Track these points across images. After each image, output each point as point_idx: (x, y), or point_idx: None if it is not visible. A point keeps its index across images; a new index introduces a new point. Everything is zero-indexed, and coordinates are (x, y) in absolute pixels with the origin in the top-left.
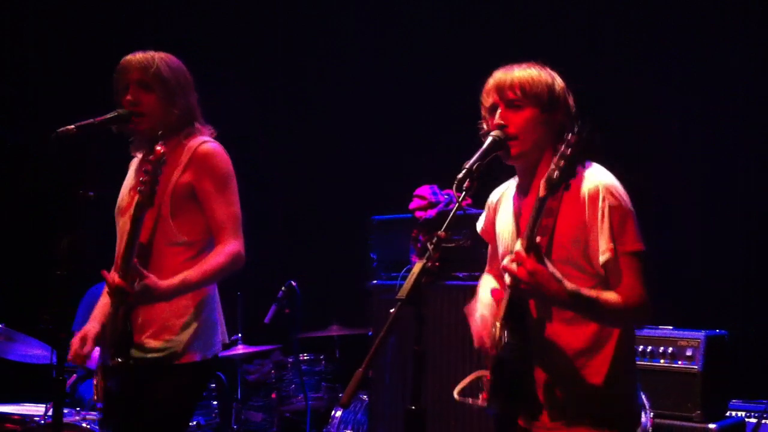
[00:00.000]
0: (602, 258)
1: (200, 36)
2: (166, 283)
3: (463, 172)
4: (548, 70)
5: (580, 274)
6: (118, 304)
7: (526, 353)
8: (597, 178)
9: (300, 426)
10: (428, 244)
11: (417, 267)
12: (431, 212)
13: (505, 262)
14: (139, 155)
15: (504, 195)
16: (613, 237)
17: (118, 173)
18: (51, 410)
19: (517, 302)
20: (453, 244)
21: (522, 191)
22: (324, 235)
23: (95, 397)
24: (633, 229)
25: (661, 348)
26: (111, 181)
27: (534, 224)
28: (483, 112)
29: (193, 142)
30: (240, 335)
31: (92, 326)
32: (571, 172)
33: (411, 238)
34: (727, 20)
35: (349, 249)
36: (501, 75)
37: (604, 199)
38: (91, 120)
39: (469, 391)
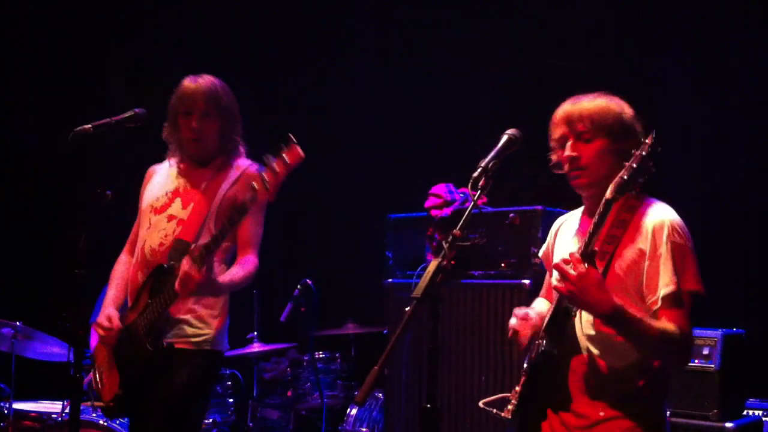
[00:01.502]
0: (665, 291)
1: (201, 35)
2: (221, 278)
3: (479, 170)
4: (617, 99)
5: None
6: (174, 293)
7: (560, 363)
8: (663, 214)
9: (316, 424)
10: (443, 243)
11: (432, 265)
12: (447, 210)
13: (559, 260)
14: (173, 160)
15: (567, 220)
16: (677, 273)
17: (130, 173)
18: (68, 407)
19: (563, 313)
20: (468, 243)
21: (589, 214)
22: (340, 233)
23: (97, 386)
24: (694, 269)
25: None
26: (124, 180)
27: (595, 230)
28: (552, 144)
29: (242, 163)
30: (256, 333)
31: (112, 310)
32: (640, 175)
33: (426, 236)
34: (728, 19)
35: (365, 247)
36: (569, 107)
37: (669, 235)
38: (108, 119)
39: (496, 404)
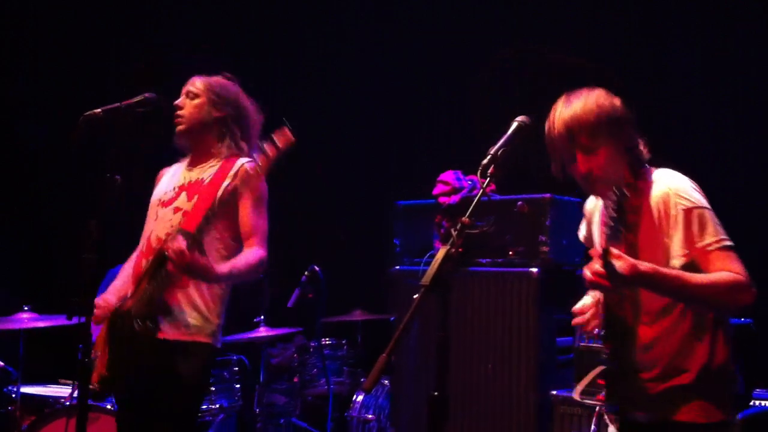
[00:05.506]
0: (677, 263)
1: (202, 35)
2: (220, 268)
3: (488, 158)
4: (603, 93)
5: None
6: (168, 273)
7: (623, 358)
8: (664, 184)
9: (322, 410)
10: (452, 230)
11: (440, 253)
12: (455, 198)
13: (587, 272)
14: (185, 161)
15: (597, 205)
16: (692, 240)
17: (139, 158)
18: (76, 392)
19: (613, 311)
20: (477, 231)
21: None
22: (348, 220)
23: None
24: (713, 225)
25: None
26: (135, 166)
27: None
28: (553, 154)
29: (243, 160)
30: (262, 317)
31: (110, 296)
32: (626, 194)
33: (434, 223)
34: (730, 16)
35: (373, 234)
36: (566, 118)
37: (675, 205)
38: (118, 104)
39: (588, 391)
